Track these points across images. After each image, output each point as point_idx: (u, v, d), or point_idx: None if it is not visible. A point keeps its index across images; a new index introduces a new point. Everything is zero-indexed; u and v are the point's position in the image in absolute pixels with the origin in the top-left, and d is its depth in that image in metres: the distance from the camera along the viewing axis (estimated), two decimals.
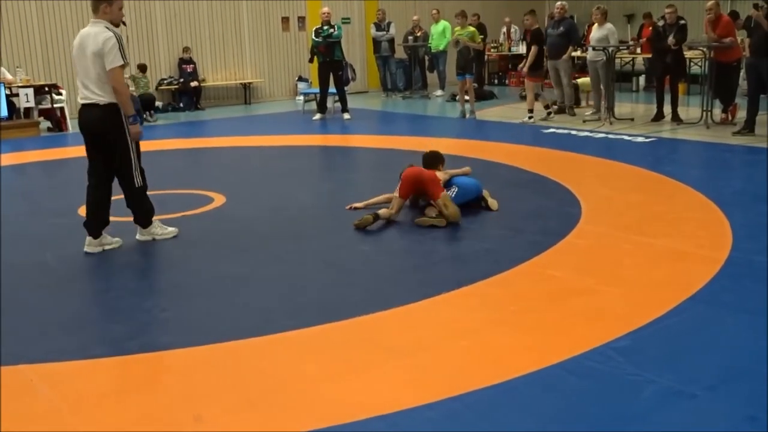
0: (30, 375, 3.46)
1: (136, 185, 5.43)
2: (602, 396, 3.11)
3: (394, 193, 6.27)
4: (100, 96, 5.20)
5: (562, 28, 11.85)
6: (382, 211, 5.90)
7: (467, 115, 12.31)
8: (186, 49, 14.88)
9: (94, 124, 5.29)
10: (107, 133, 5.28)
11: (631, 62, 15.53)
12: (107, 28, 5.20)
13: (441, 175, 6.24)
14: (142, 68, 14.01)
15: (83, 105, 5.31)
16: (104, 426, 3.02)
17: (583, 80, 13.17)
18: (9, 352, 3.70)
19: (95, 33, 5.19)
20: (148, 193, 5.60)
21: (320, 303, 4.31)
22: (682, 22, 10.91)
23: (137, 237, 5.67)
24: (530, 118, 11.59)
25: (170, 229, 5.78)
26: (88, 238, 5.43)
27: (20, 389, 3.33)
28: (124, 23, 5.52)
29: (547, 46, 12.03)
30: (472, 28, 12.25)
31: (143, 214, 5.64)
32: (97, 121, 5.27)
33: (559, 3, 12.11)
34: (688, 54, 12.15)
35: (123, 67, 5.21)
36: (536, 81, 11.97)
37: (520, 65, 12.16)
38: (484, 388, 3.18)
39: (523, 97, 11.88)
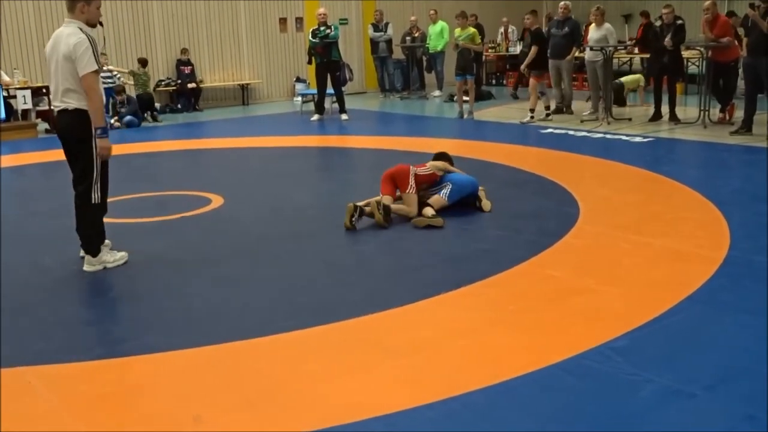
0: (29, 377, 3.46)
1: (93, 201, 4.98)
2: (601, 396, 3.12)
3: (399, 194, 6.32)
4: (68, 101, 4.88)
5: (566, 29, 11.88)
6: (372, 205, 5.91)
7: (465, 116, 12.31)
8: (184, 51, 14.89)
9: (63, 130, 5.00)
10: (72, 139, 4.95)
11: (629, 62, 15.54)
12: (80, 29, 4.84)
13: (427, 167, 6.22)
14: (143, 62, 13.88)
15: (57, 111, 5.01)
16: (103, 427, 3.02)
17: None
18: (8, 353, 3.70)
19: (67, 34, 4.83)
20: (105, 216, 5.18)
21: (319, 303, 4.31)
22: (680, 22, 10.94)
23: (84, 267, 5.04)
24: (531, 117, 11.59)
25: (120, 254, 5.19)
26: (88, 257, 5.08)
27: (19, 391, 3.33)
28: (101, 23, 5.20)
29: (551, 46, 12.05)
30: (472, 29, 12.22)
31: (92, 237, 5.05)
32: (66, 128, 4.97)
33: (562, 3, 12.13)
34: (685, 54, 12.17)
35: (96, 72, 4.83)
36: (540, 80, 11.94)
37: (522, 66, 11.99)
38: (483, 388, 3.19)
39: (515, 97, 11.86)
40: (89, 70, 4.78)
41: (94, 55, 4.81)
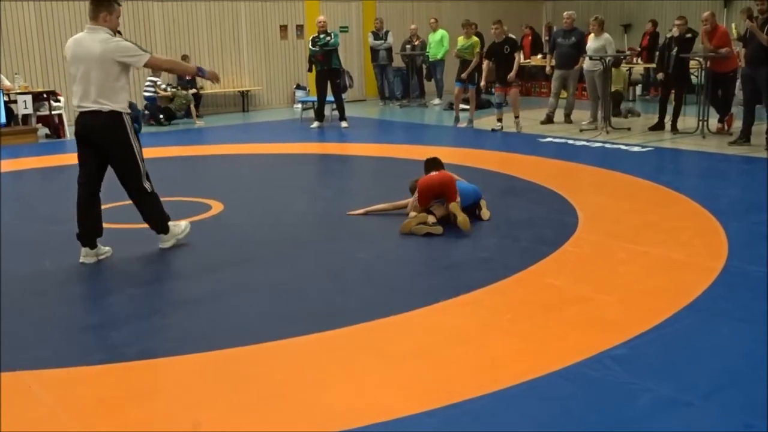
0: (29, 381, 3.47)
1: (149, 191, 5.40)
2: (598, 404, 3.13)
3: (401, 202, 6.30)
4: (103, 103, 5.10)
5: (573, 39, 11.95)
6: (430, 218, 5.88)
7: (464, 124, 12.32)
8: (184, 57, 14.90)
9: (95, 131, 5.17)
10: (109, 142, 5.19)
11: (627, 72, 15.58)
12: (107, 31, 5.13)
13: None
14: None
15: (84, 112, 5.17)
16: None
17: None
18: (8, 358, 3.70)
19: (102, 39, 5.08)
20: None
21: (318, 310, 4.33)
22: (689, 35, 10.95)
23: (160, 245, 5.57)
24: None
25: (183, 223, 5.73)
26: (84, 249, 5.34)
27: (19, 395, 3.34)
28: (119, 32, 5.44)
29: (558, 56, 12.15)
30: (475, 39, 12.25)
31: (160, 220, 5.54)
32: (100, 129, 5.15)
33: (567, 13, 12.21)
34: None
35: (150, 54, 5.25)
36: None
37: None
38: (482, 396, 3.20)
39: (497, 104, 11.82)
40: (147, 57, 5.22)
41: (138, 46, 5.25)
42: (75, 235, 5.34)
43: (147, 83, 13.90)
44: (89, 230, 5.34)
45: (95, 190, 5.34)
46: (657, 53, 12.05)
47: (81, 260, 5.32)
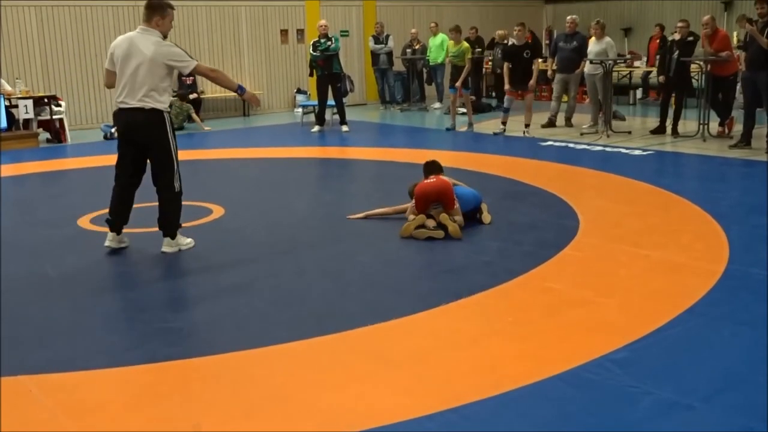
0: (29, 385, 3.47)
1: (176, 189, 5.54)
2: (600, 407, 3.13)
3: (401, 206, 6.30)
4: (146, 101, 5.34)
5: (575, 43, 11.96)
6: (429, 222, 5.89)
7: (459, 128, 12.29)
8: None
9: (136, 127, 5.41)
10: (149, 138, 5.42)
11: (628, 75, 15.61)
12: (159, 35, 5.41)
13: (450, 181, 6.25)
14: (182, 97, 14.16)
15: (125, 108, 5.41)
16: None
17: None
18: (8, 362, 3.70)
19: (154, 41, 5.36)
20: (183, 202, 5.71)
21: (319, 314, 4.33)
22: (690, 39, 10.98)
23: (163, 249, 5.59)
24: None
25: (188, 239, 5.77)
26: (111, 234, 5.63)
27: (20, 400, 3.34)
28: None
29: (560, 60, 12.17)
30: (465, 45, 12.23)
31: (174, 222, 5.62)
32: (140, 126, 5.39)
33: (569, 17, 12.23)
34: None
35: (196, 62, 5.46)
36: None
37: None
38: (483, 399, 3.20)
39: (505, 109, 11.76)
40: (194, 64, 5.45)
41: (186, 52, 5.49)
42: (76, 236, 5.42)
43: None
44: (121, 219, 5.66)
45: (130, 183, 5.62)
46: (657, 57, 12.05)
47: (106, 243, 5.64)
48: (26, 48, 13.48)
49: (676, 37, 10.91)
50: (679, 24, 10.97)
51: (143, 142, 5.47)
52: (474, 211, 6.27)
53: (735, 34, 13.06)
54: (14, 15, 13.30)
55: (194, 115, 13.85)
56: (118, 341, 4.04)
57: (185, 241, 5.71)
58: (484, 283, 4.70)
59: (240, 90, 5.63)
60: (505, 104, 11.73)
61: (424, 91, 16.63)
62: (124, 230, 5.73)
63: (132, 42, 5.40)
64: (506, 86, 11.61)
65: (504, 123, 11.69)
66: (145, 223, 6.13)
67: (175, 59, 5.38)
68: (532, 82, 11.45)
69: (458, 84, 12.08)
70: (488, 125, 13.03)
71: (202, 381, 3.50)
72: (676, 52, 10.83)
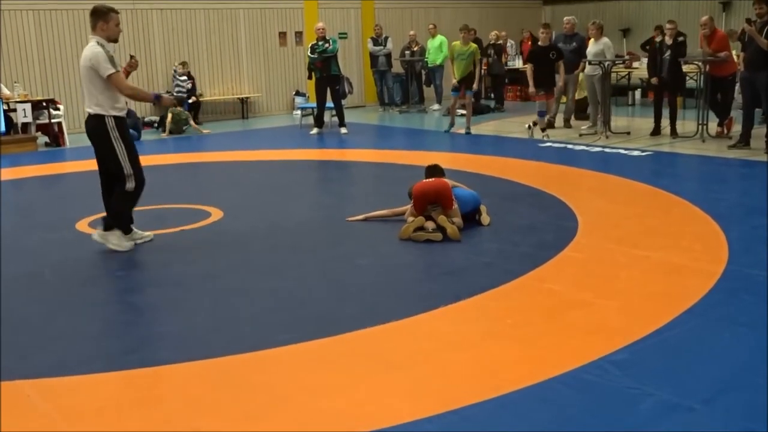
0: (27, 390, 3.46)
1: (127, 189, 5.68)
2: (600, 409, 3.12)
3: (400, 208, 6.29)
4: (91, 107, 5.60)
5: (574, 44, 11.96)
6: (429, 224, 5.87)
7: (461, 130, 12.25)
8: (183, 64, 14.91)
9: (87, 132, 5.74)
10: (96, 142, 5.69)
11: (627, 76, 15.62)
12: (97, 43, 5.53)
13: (450, 183, 6.24)
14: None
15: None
16: None
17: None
18: (6, 366, 3.69)
19: (86, 49, 5.58)
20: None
21: (318, 317, 4.32)
22: (681, 38, 11.01)
23: (97, 235, 5.77)
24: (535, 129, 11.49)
25: (127, 244, 5.78)
26: (125, 235, 5.83)
27: (17, 404, 3.33)
28: (131, 56, 6.01)
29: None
30: (474, 46, 12.10)
31: (118, 216, 5.75)
32: (89, 131, 5.71)
33: (567, 18, 12.23)
34: (683, 68, 12.23)
35: (116, 73, 5.52)
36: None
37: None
38: (482, 402, 3.19)
39: (540, 113, 11.50)
40: (108, 73, 5.48)
41: (110, 62, 5.50)
42: (75, 240, 5.62)
43: (176, 86, 14.40)
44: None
45: (107, 187, 5.83)
46: (647, 58, 12.04)
47: (125, 244, 5.80)
48: (25, 52, 13.48)
49: (669, 41, 10.90)
50: (668, 25, 10.97)
51: (93, 146, 5.74)
52: (473, 213, 6.26)
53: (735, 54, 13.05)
54: (13, 19, 13.30)
55: (192, 123, 13.81)
56: (117, 345, 4.03)
57: (120, 241, 5.74)
58: (483, 284, 4.69)
59: (156, 99, 5.99)
60: (539, 108, 11.25)
61: (423, 92, 16.64)
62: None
63: (82, 54, 5.63)
64: (531, 89, 11.18)
65: (544, 129, 11.30)
66: (141, 227, 6.13)
67: (95, 62, 5.47)
68: (560, 84, 11.34)
69: (475, 86, 12.01)
70: (487, 126, 13.05)
71: (201, 385, 3.49)
72: (667, 53, 10.85)
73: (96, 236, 5.77)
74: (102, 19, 5.57)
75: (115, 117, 5.61)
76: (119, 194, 5.72)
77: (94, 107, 5.57)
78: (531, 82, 11.10)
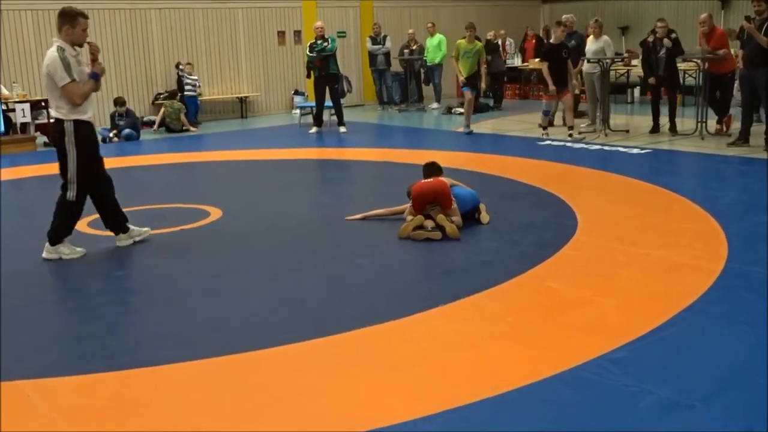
0: (27, 390, 3.46)
1: (67, 198, 5.54)
2: (599, 407, 3.12)
3: (399, 207, 6.29)
4: (53, 111, 5.51)
5: (573, 42, 11.94)
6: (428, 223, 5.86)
7: (460, 129, 12.15)
8: (180, 64, 14.89)
9: (52, 136, 5.60)
10: (57, 146, 5.57)
11: (626, 74, 15.61)
12: (59, 47, 5.38)
13: (447, 181, 6.23)
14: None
15: None
16: None
17: None
18: (5, 366, 3.69)
19: (49, 52, 5.45)
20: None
21: (318, 316, 4.31)
22: (674, 35, 11.01)
23: (43, 255, 5.58)
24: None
25: (78, 249, 5.66)
26: (120, 235, 5.86)
27: (17, 404, 3.33)
28: (89, 43, 5.63)
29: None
30: (479, 44, 11.95)
31: (57, 229, 5.58)
32: (50, 135, 5.62)
33: (565, 17, 12.22)
34: (682, 66, 12.24)
35: (72, 82, 5.34)
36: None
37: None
38: (482, 400, 3.19)
39: (545, 112, 11.27)
40: (62, 83, 5.33)
41: (67, 70, 5.32)
42: (74, 240, 5.51)
43: (187, 85, 14.42)
44: (108, 221, 5.85)
45: (102, 186, 5.75)
46: (641, 56, 12.02)
47: (117, 244, 5.86)
48: (23, 52, 13.46)
49: (666, 43, 10.88)
50: (659, 24, 10.96)
51: (56, 150, 5.59)
52: (472, 212, 6.26)
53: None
54: (11, 19, 13.29)
55: (183, 117, 13.81)
56: (116, 345, 4.02)
57: (68, 251, 5.60)
58: (482, 283, 4.69)
59: (94, 76, 5.56)
60: (545, 107, 11.10)
61: (422, 91, 16.64)
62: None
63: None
64: (551, 87, 10.67)
65: (545, 127, 11.16)
66: (140, 226, 6.12)
67: (51, 69, 5.35)
68: (575, 81, 11.20)
69: (484, 85, 11.89)
70: (486, 125, 13.03)
71: (201, 385, 3.49)
72: (662, 51, 10.84)
73: (45, 254, 5.56)
74: (69, 23, 5.42)
75: (75, 121, 5.44)
76: (60, 203, 5.58)
77: (55, 112, 5.49)
78: (549, 81, 10.67)
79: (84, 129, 5.51)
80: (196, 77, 14.60)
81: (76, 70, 5.41)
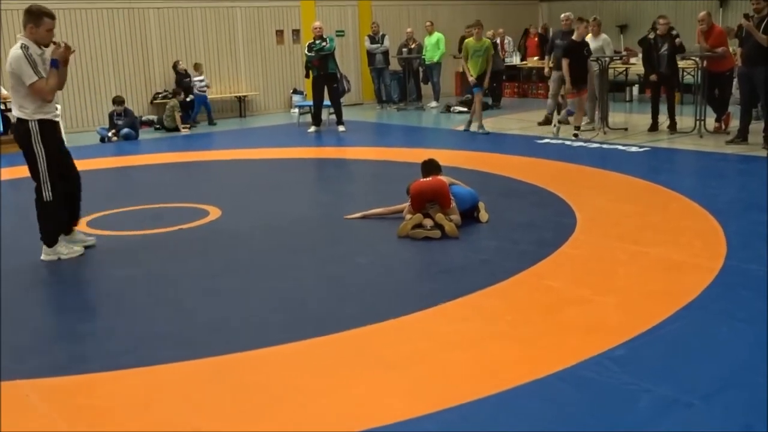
0: (26, 390, 3.46)
1: (45, 198, 5.43)
2: (598, 406, 3.12)
3: (398, 206, 6.29)
4: (16, 111, 5.38)
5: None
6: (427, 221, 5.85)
7: (476, 129, 11.82)
8: (178, 63, 14.88)
9: (15, 139, 5.59)
10: (21, 147, 5.44)
11: (624, 72, 15.61)
12: (23, 45, 5.24)
13: (446, 180, 6.23)
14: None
15: None
16: None
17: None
18: (4, 366, 3.69)
19: (10, 51, 5.29)
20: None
21: (317, 315, 4.31)
22: (674, 32, 11.03)
23: (42, 257, 5.53)
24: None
25: (76, 248, 5.65)
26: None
27: (17, 405, 3.32)
28: (55, 43, 5.39)
29: (556, 57, 12.08)
30: (488, 41, 11.79)
31: (48, 232, 5.53)
32: (15, 136, 5.55)
33: (564, 15, 12.21)
34: (681, 64, 12.24)
35: (39, 80, 5.21)
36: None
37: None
38: (481, 399, 3.19)
39: (569, 111, 11.03)
40: (30, 82, 5.22)
41: (32, 67, 5.20)
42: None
43: (199, 84, 14.58)
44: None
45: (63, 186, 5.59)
46: (642, 54, 12.00)
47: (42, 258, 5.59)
48: None
49: (671, 41, 10.89)
50: (661, 21, 10.97)
51: (24, 152, 5.45)
52: (471, 210, 6.26)
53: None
54: (8, 18, 13.28)
55: (177, 115, 13.81)
56: (115, 345, 4.02)
57: (66, 251, 5.58)
58: (481, 282, 4.69)
59: (54, 64, 5.28)
60: (570, 107, 10.71)
61: (420, 90, 16.63)
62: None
63: None
64: (567, 86, 10.54)
65: (577, 127, 10.91)
66: (139, 226, 6.13)
67: (15, 68, 5.23)
68: (591, 80, 11.07)
69: (486, 84, 11.70)
70: (485, 123, 12.98)
71: (201, 384, 3.49)
72: (664, 47, 10.85)
73: (44, 257, 5.53)
74: (33, 21, 5.27)
75: (39, 121, 5.33)
76: (40, 207, 5.49)
77: (18, 111, 5.35)
78: (568, 79, 10.49)
79: (49, 128, 5.42)
80: (201, 78, 14.66)
81: (42, 68, 5.28)
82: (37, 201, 5.47)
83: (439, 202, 5.96)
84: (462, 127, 12.26)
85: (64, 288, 5.05)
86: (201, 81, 14.62)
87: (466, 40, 11.85)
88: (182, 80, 14.61)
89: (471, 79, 11.72)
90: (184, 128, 13.79)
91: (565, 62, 10.54)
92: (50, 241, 5.54)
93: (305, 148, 11.39)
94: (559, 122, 11.19)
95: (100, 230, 6.33)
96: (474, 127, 11.88)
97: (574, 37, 10.73)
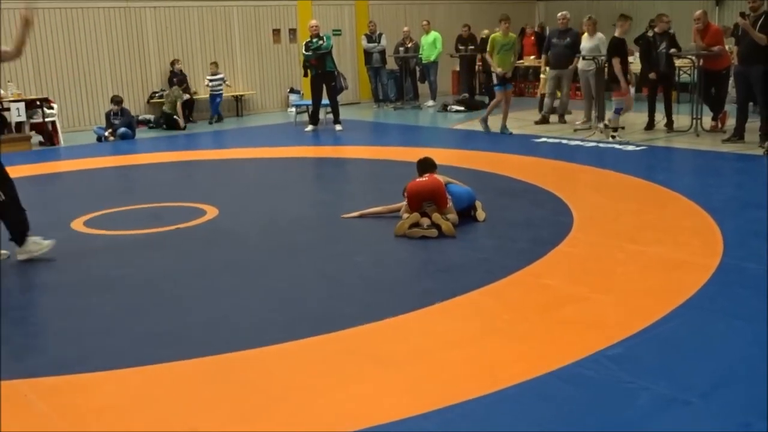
0: (25, 389, 3.45)
1: (1, 198, 5.37)
2: (596, 404, 3.13)
3: (395, 205, 6.29)
4: None
5: (568, 39, 11.98)
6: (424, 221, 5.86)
7: (500, 130, 11.44)
8: (177, 62, 14.87)
9: None
10: None
11: None
12: None
13: (442, 178, 6.23)
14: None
15: None
16: None
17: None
18: (5, 366, 3.68)
19: None
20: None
21: (314, 314, 4.32)
22: (672, 31, 11.06)
23: (18, 257, 5.49)
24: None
25: (46, 242, 5.56)
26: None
27: (16, 404, 3.32)
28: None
29: (553, 55, 12.12)
30: (513, 36, 11.57)
31: (12, 229, 5.47)
32: None
33: (560, 14, 12.23)
34: (677, 63, 12.26)
35: None
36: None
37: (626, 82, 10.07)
38: (478, 398, 3.19)
39: (617, 110, 10.69)
40: None
41: None
42: (70, 239, 5.51)
43: (215, 83, 14.78)
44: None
45: None
46: (639, 51, 12.01)
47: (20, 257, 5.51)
48: None
49: (659, 30, 10.89)
50: (664, 19, 11.01)
51: None
52: (468, 209, 6.27)
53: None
54: (5, 18, 13.24)
55: (179, 104, 13.84)
56: (113, 344, 4.02)
57: (36, 248, 5.51)
58: (479, 280, 4.70)
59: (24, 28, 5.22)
60: (617, 105, 10.13)
61: (417, 89, 16.63)
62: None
63: None
64: (623, 84, 9.88)
65: (615, 129, 10.32)
66: (137, 225, 6.12)
67: None
68: (630, 78, 10.52)
69: (508, 74, 11.22)
70: (480, 121, 13.00)
71: (199, 384, 3.49)
72: (663, 45, 10.86)
73: (19, 256, 5.48)
74: None
75: None
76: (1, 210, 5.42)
77: None
78: (622, 79, 9.87)
79: None
80: (221, 75, 14.97)
81: None
82: None
83: (436, 201, 5.96)
84: (479, 127, 11.70)
85: (63, 287, 5.04)
86: (214, 80, 14.80)
87: (493, 35, 11.37)
88: (173, 79, 14.58)
89: (499, 71, 11.12)
90: (181, 122, 13.80)
91: (616, 61, 9.89)
92: (18, 239, 5.48)
93: (302, 147, 11.39)
94: (605, 126, 10.47)
95: (98, 230, 6.33)
96: (496, 127, 11.41)
97: (616, 34, 10.16)
